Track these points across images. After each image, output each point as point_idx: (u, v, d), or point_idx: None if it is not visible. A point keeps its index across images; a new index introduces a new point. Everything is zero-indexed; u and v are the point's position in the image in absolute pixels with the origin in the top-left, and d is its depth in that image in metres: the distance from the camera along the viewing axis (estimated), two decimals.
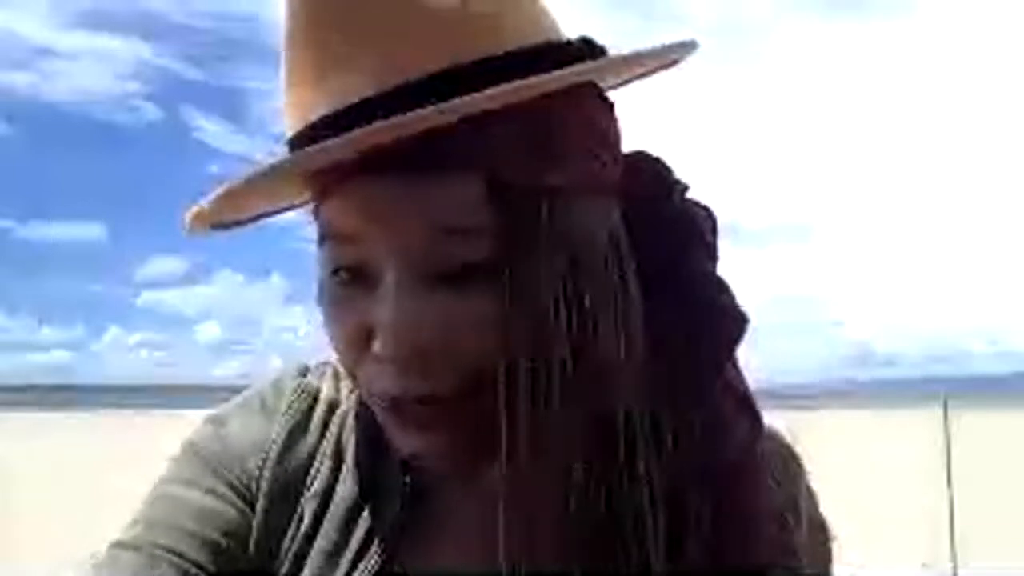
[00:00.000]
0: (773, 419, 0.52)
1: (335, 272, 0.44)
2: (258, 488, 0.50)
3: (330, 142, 0.39)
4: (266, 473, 0.51)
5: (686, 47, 0.47)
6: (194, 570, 0.47)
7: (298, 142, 0.43)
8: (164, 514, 0.49)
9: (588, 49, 0.45)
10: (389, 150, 0.39)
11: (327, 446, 0.52)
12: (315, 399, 0.54)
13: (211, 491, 0.50)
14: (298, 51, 0.43)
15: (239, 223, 0.50)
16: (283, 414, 0.53)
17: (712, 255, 0.49)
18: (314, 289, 0.46)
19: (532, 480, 0.41)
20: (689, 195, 0.50)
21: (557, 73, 0.41)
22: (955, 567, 5.04)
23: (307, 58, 0.42)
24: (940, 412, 6.40)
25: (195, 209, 0.44)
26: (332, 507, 0.50)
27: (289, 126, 0.44)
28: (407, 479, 0.50)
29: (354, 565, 0.49)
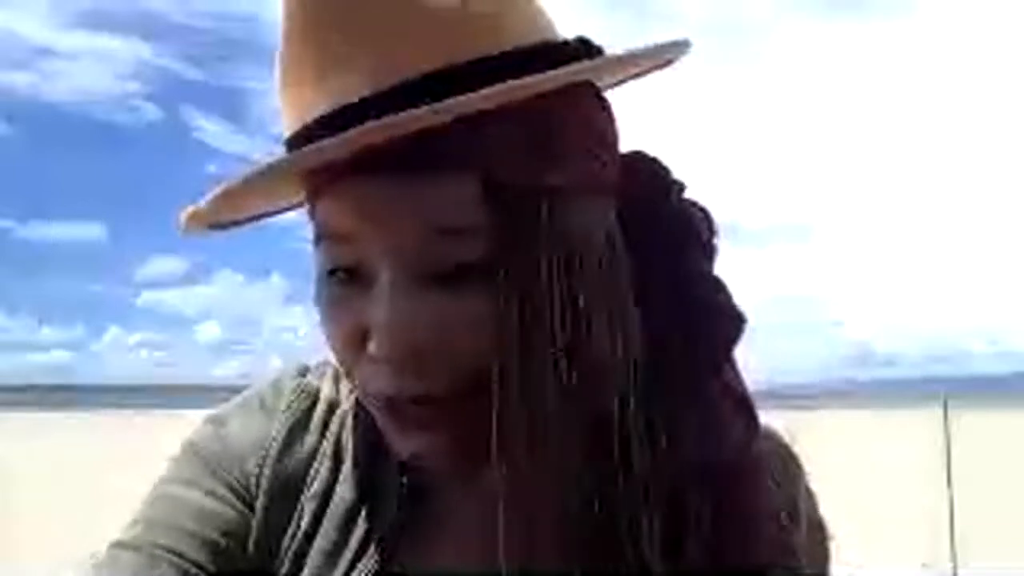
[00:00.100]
0: (772, 419, 0.52)
1: (331, 272, 0.44)
2: (258, 487, 0.50)
3: (325, 142, 0.39)
4: (266, 472, 0.51)
5: (679, 47, 0.48)
6: (194, 570, 0.47)
7: (296, 142, 0.43)
8: (164, 514, 0.49)
9: (584, 49, 0.45)
10: (384, 150, 0.39)
11: (327, 446, 0.52)
12: (315, 399, 0.54)
13: (211, 491, 0.50)
14: (297, 51, 0.43)
15: (237, 223, 0.50)
16: (283, 414, 0.53)
17: (709, 255, 0.49)
18: (313, 289, 0.46)
19: (530, 480, 0.41)
20: (687, 195, 0.50)
21: (552, 73, 0.41)
22: (955, 567, 5.04)
23: (306, 58, 0.42)
24: (940, 412, 6.40)
25: (192, 209, 0.44)
26: (331, 507, 0.50)
27: (287, 126, 0.44)
28: (405, 480, 0.50)
29: (353, 565, 0.49)
